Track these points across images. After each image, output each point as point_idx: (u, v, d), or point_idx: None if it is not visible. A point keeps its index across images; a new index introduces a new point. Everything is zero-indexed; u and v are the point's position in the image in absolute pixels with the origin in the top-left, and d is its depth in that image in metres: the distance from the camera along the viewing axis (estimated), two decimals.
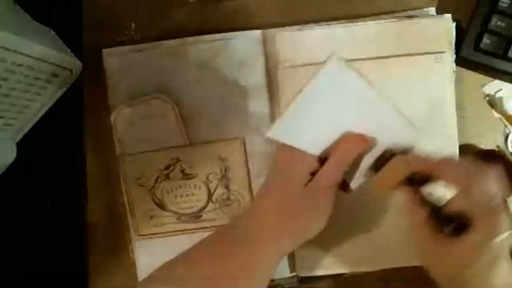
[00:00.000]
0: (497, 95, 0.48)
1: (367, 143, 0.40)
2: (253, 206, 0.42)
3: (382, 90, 0.42)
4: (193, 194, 0.49)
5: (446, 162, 0.37)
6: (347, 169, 0.40)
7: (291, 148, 0.40)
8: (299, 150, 0.40)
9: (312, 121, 0.41)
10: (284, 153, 0.41)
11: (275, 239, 0.39)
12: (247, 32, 0.48)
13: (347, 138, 0.40)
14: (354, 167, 0.41)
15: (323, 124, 0.41)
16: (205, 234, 0.41)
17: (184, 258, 0.39)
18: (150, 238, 0.49)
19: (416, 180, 0.37)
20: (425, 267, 0.38)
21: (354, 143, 0.40)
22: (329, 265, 0.48)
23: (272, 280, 0.48)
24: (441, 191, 0.35)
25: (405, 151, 0.41)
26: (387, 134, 0.42)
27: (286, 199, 0.39)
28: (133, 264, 0.50)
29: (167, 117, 0.48)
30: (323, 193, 0.39)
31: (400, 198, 0.42)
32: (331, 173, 0.39)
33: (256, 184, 0.48)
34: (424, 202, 0.36)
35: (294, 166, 0.40)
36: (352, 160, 0.40)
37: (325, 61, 0.42)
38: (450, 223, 0.35)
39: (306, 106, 0.41)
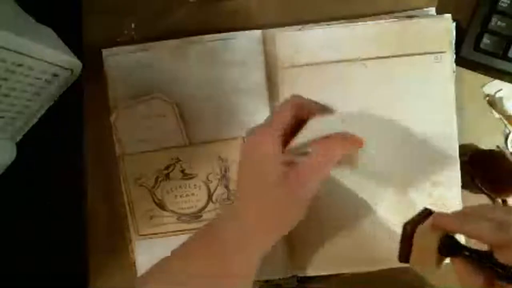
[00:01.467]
0: (497, 95, 0.48)
1: (360, 144, 0.39)
2: (232, 205, 0.41)
3: None
4: (193, 194, 0.49)
5: (468, 215, 0.33)
6: (334, 166, 0.38)
7: (257, 143, 0.38)
8: (259, 136, 0.38)
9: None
10: (251, 146, 0.39)
11: (256, 237, 0.38)
12: (247, 32, 0.48)
13: (339, 135, 0.39)
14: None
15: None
16: None
17: (165, 266, 0.39)
18: (150, 238, 0.49)
19: (451, 246, 0.33)
20: None
21: (348, 142, 0.39)
22: (329, 265, 0.48)
23: (272, 280, 0.48)
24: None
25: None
26: None
27: (263, 197, 0.37)
28: (133, 264, 0.50)
29: (167, 117, 0.48)
30: (303, 186, 0.37)
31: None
32: (315, 168, 0.37)
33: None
34: (477, 267, 0.32)
35: (265, 158, 0.37)
36: (339, 158, 0.38)
37: None
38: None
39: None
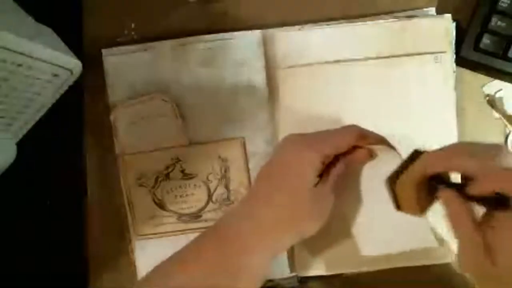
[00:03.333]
0: (497, 95, 0.48)
1: (374, 155, 0.41)
2: (245, 203, 0.41)
3: None
4: (193, 194, 0.49)
5: (457, 152, 0.34)
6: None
7: (301, 147, 0.39)
8: (307, 149, 0.39)
9: None
10: (293, 149, 0.40)
11: (275, 239, 0.38)
12: (247, 32, 0.48)
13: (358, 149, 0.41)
14: None
15: None
16: None
17: (178, 261, 0.39)
18: (150, 238, 0.49)
19: (439, 180, 0.34)
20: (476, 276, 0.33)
21: (363, 154, 0.41)
22: (329, 265, 0.48)
23: (272, 280, 0.48)
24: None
25: None
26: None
27: (296, 197, 0.38)
28: (133, 264, 0.50)
29: (167, 117, 0.48)
30: (329, 195, 0.39)
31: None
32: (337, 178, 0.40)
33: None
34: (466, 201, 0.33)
35: (303, 167, 0.39)
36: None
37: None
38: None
39: None
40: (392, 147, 0.41)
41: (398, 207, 0.37)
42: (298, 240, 0.40)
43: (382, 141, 0.41)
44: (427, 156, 0.35)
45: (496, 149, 0.32)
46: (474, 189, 0.32)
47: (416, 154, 0.36)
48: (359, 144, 0.40)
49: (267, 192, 0.39)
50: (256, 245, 0.38)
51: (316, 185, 0.39)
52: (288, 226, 0.39)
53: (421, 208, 0.36)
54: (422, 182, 0.35)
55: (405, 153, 0.45)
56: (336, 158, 0.41)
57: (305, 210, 0.39)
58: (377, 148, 0.41)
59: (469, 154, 0.32)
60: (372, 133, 0.41)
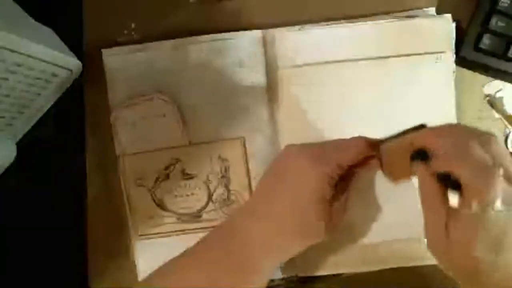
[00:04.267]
0: (497, 95, 0.48)
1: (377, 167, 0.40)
2: (252, 208, 0.41)
3: None
4: (193, 194, 0.49)
5: (439, 132, 0.34)
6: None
7: (304, 159, 0.38)
8: (312, 167, 0.38)
9: None
10: (296, 161, 0.39)
11: (281, 246, 0.39)
12: (247, 32, 0.48)
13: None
14: None
15: None
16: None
17: (179, 265, 0.39)
18: (150, 238, 0.49)
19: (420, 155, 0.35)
20: (439, 261, 0.36)
21: (376, 164, 0.40)
22: (329, 265, 0.48)
23: (272, 280, 0.48)
24: None
25: None
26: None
27: (304, 212, 0.38)
28: (133, 264, 0.50)
29: (167, 117, 0.48)
30: (341, 210, 0.40)
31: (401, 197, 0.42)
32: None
33: (256, 184, 0.48)
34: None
35: (311, 176, 0.38)
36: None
37: None
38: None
39: None
40: None
41: (382, 167, 0.39)
42: (301, 250, 0.40)
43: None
44: (423, 130, 0.36)
45: (483, 138, 0.32)
46: (433, 165, 0.33)
47: (420, 127, 0.36)
48: (368, 154, 0.39)
49: (270, 205, 0.39)
50: (261, 250, 0.38)
51: (331, 200, 0.38)
52: (290, 239, 0.39)
53: (398, 177, 0.38)
54: (405, 153, 0.36)
55: None
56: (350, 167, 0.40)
57: (311, 226, 0.38)
58: None
59: (452, 136, 0.33)
60: (377, 140, 0.40)
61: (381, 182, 0.46)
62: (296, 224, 0.38)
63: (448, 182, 0.33)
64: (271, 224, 0.38)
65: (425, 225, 0.35)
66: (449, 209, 0.32)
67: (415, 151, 0.35)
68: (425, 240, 0.35)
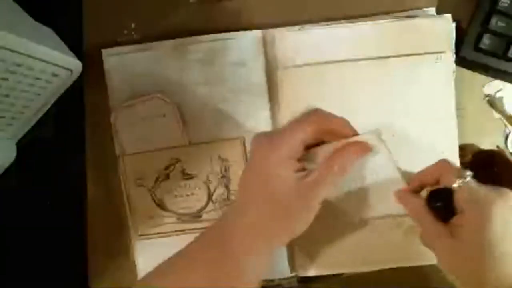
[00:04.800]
0: (497, 95, 0.48)
1: (368, 150, 0.41)
2: (239, 205, 0.41)
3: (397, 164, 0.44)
4: (193, 194, 0.49)
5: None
6: (345, 175, 0.40)
7: (268, 148, 0.39)
8: (272, 152, 0.39)
9: None
10: (261, 151, 0.40)
11: (267, 238, 0.39)
12: (247, 32, 0.48)
13: (350, 144, 0.41)
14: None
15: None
16: None
17: (177, 265, 0.39)
18: (150, 238, 0.49)
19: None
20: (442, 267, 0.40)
21: (356, 150, 0.41)
22: (329, 265, 0.48)
23: (272, 280, 0.48)
24: None
25: None
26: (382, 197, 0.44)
27: (274, 200, 0.38)
28: (133, 264, 0.50)
29: (167, 117, 0.48)
30: (318, 198, 0.39)
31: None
32: (331, 178, 0.39)
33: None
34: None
35: (276, 164, 0.39)
36: (351, 166, 0.40)
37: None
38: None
39: None
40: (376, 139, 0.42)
41: None
42: (292, 237, 0.40)
43: (344, 123, 0.43)
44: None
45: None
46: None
47: None
48: (323, 126, 0.41)
49: (247, 204, 0.40)
50: (251, 245, 0.38)
51: (300, 179, 0.39)
52: (277, 226, 0.39)
53: None
54: None
55: (404, 153, 0.45)
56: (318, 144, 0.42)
57: (290, 208, 0.38)
58: (367, 138, 0.42)
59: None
60: (332, 114, 0.43)
61: (375, 178, 0.46)
62: (276, 209, 0.38)
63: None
64: (255, 217, 0.39)
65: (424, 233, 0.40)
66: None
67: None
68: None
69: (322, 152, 0.42)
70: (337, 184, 0.40)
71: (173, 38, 0.49)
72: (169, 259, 0.39)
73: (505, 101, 0.48)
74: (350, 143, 0.41)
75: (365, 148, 0.41)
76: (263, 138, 0.41)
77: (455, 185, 0.37)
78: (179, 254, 0.39)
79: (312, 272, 0.48)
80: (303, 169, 0.40)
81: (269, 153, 0.39)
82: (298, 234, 0.39)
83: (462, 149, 0.46)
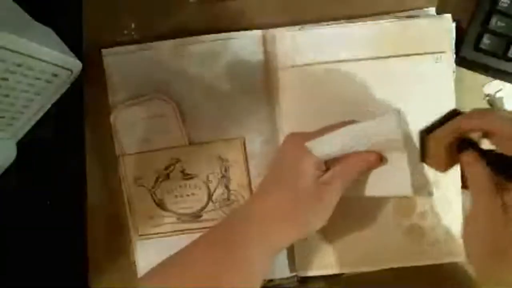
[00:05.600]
0: (497, 95, 0.48)
1: (382, 163, 0.41)
2: (255, 200, 0.41)
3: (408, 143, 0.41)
4: (193, 194, 0.49)
5: (491, 114, 0.35)
6: (359, 176, 0.40)
7: (300, 146, 0.40)
8: (307, 150, 0.40)
9: (340, 147, 0.40)
10: (293, 147, 0.41)
11: (276, 233, 0.39)
12: (247, 32, 0.48)
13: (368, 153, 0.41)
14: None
15: (346, 150, 0.40)
16: None
17: (179, 261, 0.39)
18: (150, 238, 0.49)
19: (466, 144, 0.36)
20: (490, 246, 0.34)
21: (374, 159, 0.40)
22: (329, 265, 0.48)
23: (272, 280, 0.48)
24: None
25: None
26: (384, 176, 0.41)
27: (296, 191, 0.39)
28: (133, 264, 0.50)
29: (167, 117, 0.48)
30: (332, 191, 0.39)
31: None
32: (346, 174, 0.40)
33: (256, 184, 0.48)
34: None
35: (304, 160, 0.40)
36: (366, 170, 0.41)
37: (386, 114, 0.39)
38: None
39: (347, 137, 0.40)
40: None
41: (423, 159, 0.38)
42: (300, 236, 0.40)
43: None
44: (463, 115, 0.36)
45: None
46: (497, 147, 0.34)
47: (453, 113, 0.37)
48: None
49: (270, 190, 0.40)
50: (257, 239, 0.38)
51: (318, 178, 0.39)
52: (287, 219, 0.39)
53: (446, 165, 0.37)
54: (453, 140, 0.36)
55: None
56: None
57: (304, 202, 0.39)
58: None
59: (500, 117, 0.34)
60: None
61: (377, 180, 0.46)
62: (288, 206, 0.39)
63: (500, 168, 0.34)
64: (275, 202, 0.39)
65: (475, 218, 0.34)
66: (504, 195, 0.33)
67: (463, 141, 0.35)
68: (465, 235, 0.35)
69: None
70: (348, 185, 0.40)
71: (173, 38, 0.49)
72: (172, 256, 0.39)
73: (505, 101, 0.48)
74: (366, 154, 0.40)
75: (378, 161, 0.41)
76: (297, 135, 0.42)
77: None
78: (181, 253, 0.39)
79: (312, 272, 0.48)
80: (324, 169, 0.40)
81: (301, 148, 0.40)
82: (308, 233, 0.40)
83: None
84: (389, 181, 0.41)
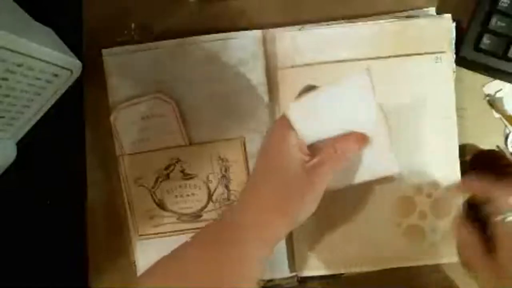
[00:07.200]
0: (497, 95, 0.48)
1: (368, 142, 0.40)
2: (247, 193, 0.41)
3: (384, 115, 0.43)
4: (193, 194, 0.49)
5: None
6: (349, 161, 0.40)
7: (285, 124, 0.40)
8: (294, 133, 0.39)
9: (320, 118, 0.40)
10: (278, 127, 0.41)
11: (269, 223, 0.38)
12: (247, 32, 0.48)
13: (353, 134, 0.40)
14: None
15: (326, 125, 0.40)
16: None
17: (176, 259, 0.39)
18: (150, 238, 0.49)
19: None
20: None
21: (360, 139, 0.40)
22: (329, 265, 0.48)
23: (272, 280, 0.48)
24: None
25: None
26: (369, 158, 0.42)
27: (286, 179, 0.38)
28: (133, 264, 0.50)
29: (167, 117, 0.48)
30: (322, 175, 0.39)
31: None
32: (334, 159, 0.39)
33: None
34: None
35: (287, 140, 0.39)
36: (354, 154, 0.40)
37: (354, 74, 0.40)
38: None
39: (322, 101, 0.40)
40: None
41: None
42: (293, 225, 0.39)
43: None
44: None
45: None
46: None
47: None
48: None
49: (258, 180, 0.40)
50: (252, 233, 0.38)
51: (306, 162, 0.39)
52: (281, 207, 0.38)
53: None
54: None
55: (404, 153, 0.45)
56: None
57: (295, 188, 0.38)
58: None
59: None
60: None
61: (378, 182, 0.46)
62: (277, 192, 0.39)
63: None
64: (267, 193, 0.39)
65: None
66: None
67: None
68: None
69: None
70: (338, 168, 0.39)
71: (173, 38, 0.49)
72: (169, 255, 0.39)
73: (505, 101, 0.48)
74: (353, 134, 0.40)
75: (361, 140, 0.41)
76: (283, 119, 0.41)
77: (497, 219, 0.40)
78: (180, 252, 0.39)
79: (312, 272, 0.48)
80: (310, 154, 0.40)
81: (277, 140, 0.40)
82: (300, 220, 0.39)
83: (462, 149, 0.46)
84: (374, 163, 0.41)
